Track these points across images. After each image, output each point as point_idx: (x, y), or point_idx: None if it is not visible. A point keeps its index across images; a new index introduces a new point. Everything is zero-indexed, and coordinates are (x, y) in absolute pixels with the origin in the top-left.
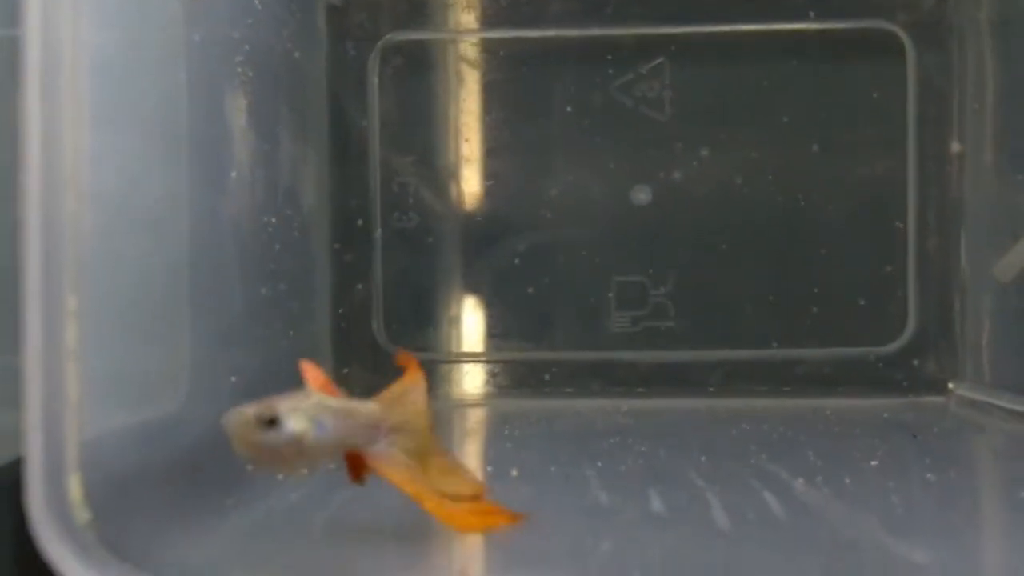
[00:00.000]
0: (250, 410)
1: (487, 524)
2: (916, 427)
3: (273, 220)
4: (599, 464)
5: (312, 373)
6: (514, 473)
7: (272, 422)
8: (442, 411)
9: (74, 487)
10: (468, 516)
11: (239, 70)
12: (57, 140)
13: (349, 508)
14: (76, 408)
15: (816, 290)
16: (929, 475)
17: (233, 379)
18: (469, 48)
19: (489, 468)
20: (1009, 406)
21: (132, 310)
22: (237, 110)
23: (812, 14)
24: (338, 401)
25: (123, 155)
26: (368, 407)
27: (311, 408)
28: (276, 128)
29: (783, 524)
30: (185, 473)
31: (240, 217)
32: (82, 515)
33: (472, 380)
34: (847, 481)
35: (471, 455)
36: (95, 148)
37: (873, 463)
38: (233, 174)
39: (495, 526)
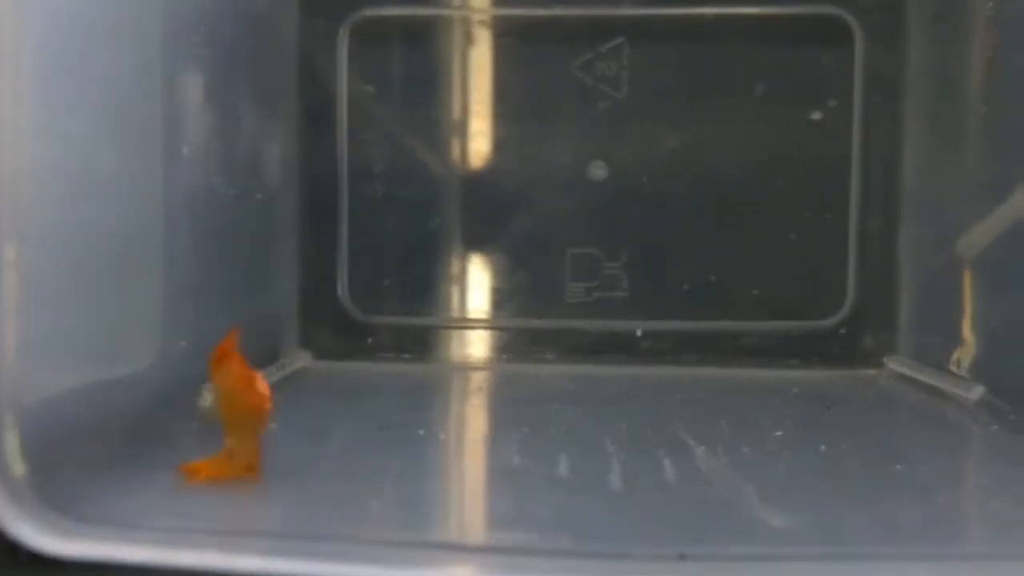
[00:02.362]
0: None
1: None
2: (840, 399)
3: (231, 192)
4: (525, 430)
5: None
6: (441, 436)
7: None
8: (395, 373)
9: (11, 441)
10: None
11: (195, 50)
12: None
13: (272, 471)
14: (14, 363)
15: (761, 264)
16: (823, 447)
17: (183, 343)
18: (436, 26)
19: (421, 431)
20: (930, 381)
21: (77, 274)
22: (191, 88)
23: None
24: None
25: (68, 129)
26: None
27: None
28: (237, 103)
29: (669, 489)
30: (129, 432)
31: (195, 190)
32: (18, 468)
33: (428, 345)
34: (745, 450)
35: (412, 418)
36: (39, 120)
37: (778, 434)
38: (185, 150)
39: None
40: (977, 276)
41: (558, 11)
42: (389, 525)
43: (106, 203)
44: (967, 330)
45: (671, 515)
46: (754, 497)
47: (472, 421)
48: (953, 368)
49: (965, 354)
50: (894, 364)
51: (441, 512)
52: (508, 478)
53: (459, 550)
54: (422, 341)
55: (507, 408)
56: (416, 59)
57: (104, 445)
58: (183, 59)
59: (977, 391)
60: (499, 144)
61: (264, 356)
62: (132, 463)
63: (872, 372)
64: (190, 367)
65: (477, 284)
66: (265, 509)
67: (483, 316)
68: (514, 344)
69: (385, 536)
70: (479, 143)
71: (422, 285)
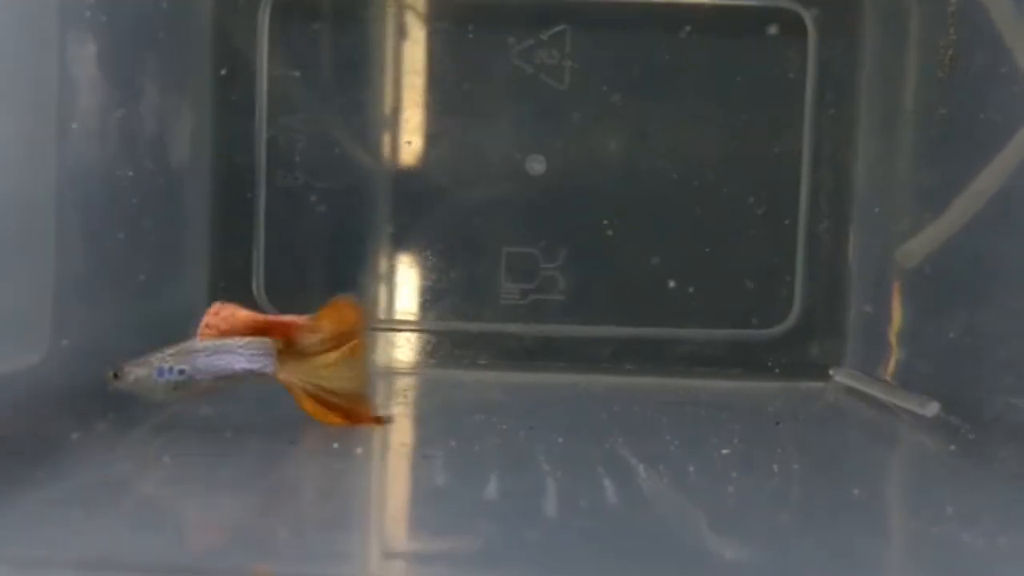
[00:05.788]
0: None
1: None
2: (787, 413)
3: (130, 173)
4: (453, 444)
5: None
6: (358, 451)
7: (116, 375)
8: None
9: None
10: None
11: (88, 14)
12: None
13: (161, 486)
14: None
15: (705, 270)
16: (775, 466)
17: (65, 342)
18: (364, 6)
19: (335, 444)
20: (881, 396)
21: None
22: (82, 58)
23: None
24: (216, 342)
25: None
26: (253, 340)
27: (165, 358)
28: (139, 76)
29: (610, 514)
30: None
31: (88, 167)
32: None
33: None
34: (691, 469)
35: (329, 429)
36: None
37: (725, 451)
38: (74, 125)
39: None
40: (931, 288)
41: None
42: (292, 556)
43: None
44: (919, 343)
45: (612, 546)
46: (703, 524)
47: (395, 433)
48: (900, 381)
49: (914, 367)
50: (841, 376)
51: (353, 542)
52: (432, 502)
53: None
54: None
55: (434, 418)
56: (345, 40)
57: None
58: (77, 23)
59: (932, 407)
60: (432, 134)
61: None
62: None
63: (819, 384)
64: (81, 367)
65: (405, 283)
66: (143, 536)
67: (411, 317)
68: (444, 348)
69: (286, 569)
70: (410, 132)
71: (346, 282)
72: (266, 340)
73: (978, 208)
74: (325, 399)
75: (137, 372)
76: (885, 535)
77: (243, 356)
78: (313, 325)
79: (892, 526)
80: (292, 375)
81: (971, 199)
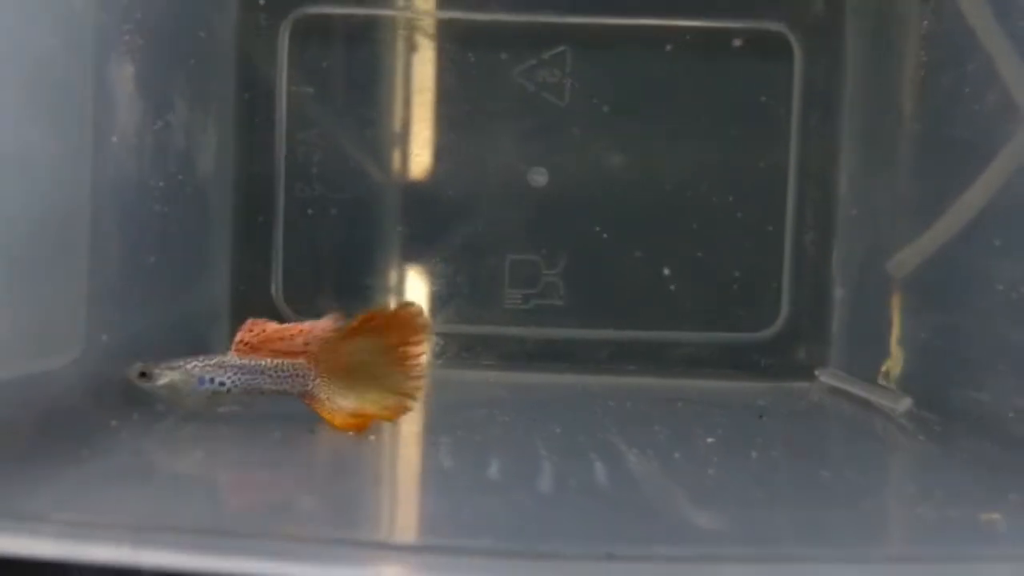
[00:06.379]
0: (136, 365)
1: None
2: (773, 409)
3: (161, 184)
4: (459, 433)
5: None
6: (371, 438)
7: (144, 375)
8: None
9: None
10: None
11: (127, 38)
12: None
13: (192, 465)
14: None
15: (698, 277)
16: (753, 453)
17: (104, 338)
18: (378, 27)
19: (351, 432)
20: (860, 393)
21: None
22: (122, 77)
23: (707, 12)
24: (250, 360)
25: None
26: (284, 363)
27: (205, 367)
28: (170, 94)
29: (599, 491)
30: (43, 427)
31: (123, 179)
32: None
33: None
34: (676, 455)
35: None
36: None
37: (709, 440)
38: (114, 139)
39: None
40: (906, 292)
41: (501, 16)
42: (314, 522)
43: (31, 185)
44: (896, 344)
45: (600, 516)
46: (683, 499)
47: (403, 424)
48: (882, 380)
49: (894, 367)
50: (825, 377)
51: (367, 511)
52: (438, 479)
53: (386, 549)
54: None
55: (442, 412)
56: (357, 60)
57: (13, 439)
58: (115, 44)
59: (905, 403)
60: (439, 148)
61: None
62: (43, 458)
63: (804, 384)
64: (113, 364)
65: (414, 288)
66: (184, 504)
67: None
68: (451, 349)
69: (309, 533)
70: (419, 146)
71: (359, 287)
72: (299, 363)
73: (968, 220)
74: (359, 410)
75: (171, 376)
76: (849, 509)
77: (271, 377)
78: (363, 327)
79: (857, 502)
80: (328, 391)
81: (961, 211)
